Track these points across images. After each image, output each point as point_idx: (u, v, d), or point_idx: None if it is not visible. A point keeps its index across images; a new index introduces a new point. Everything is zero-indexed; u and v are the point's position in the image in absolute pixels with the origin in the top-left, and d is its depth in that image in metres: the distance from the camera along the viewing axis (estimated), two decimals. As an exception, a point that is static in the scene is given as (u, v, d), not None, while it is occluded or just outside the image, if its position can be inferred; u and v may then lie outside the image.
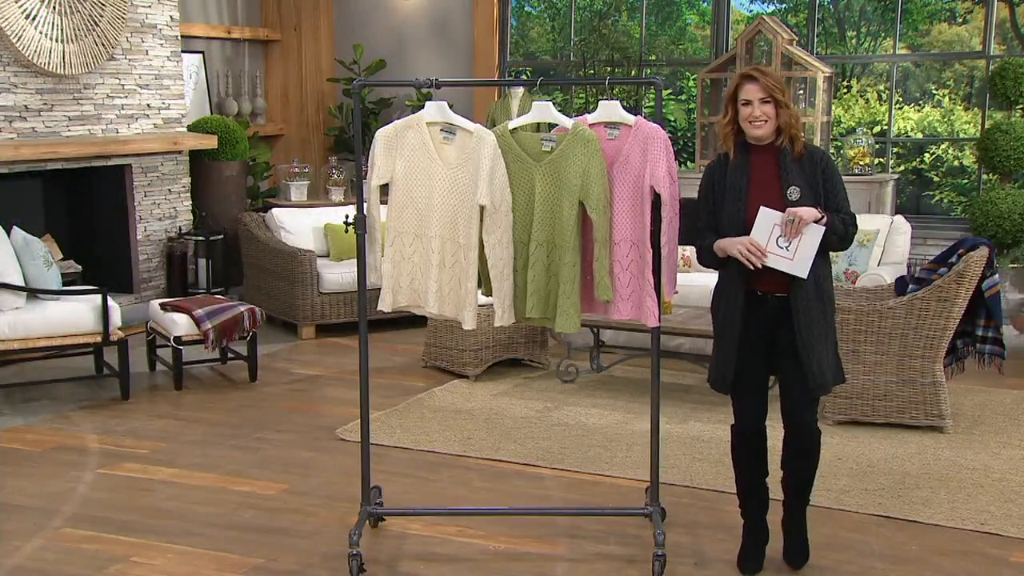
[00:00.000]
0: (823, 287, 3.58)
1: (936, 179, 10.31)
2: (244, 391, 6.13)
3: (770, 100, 3.51)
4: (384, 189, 3.85)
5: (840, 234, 3.55)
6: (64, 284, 6.21)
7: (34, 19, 6.81)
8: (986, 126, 7.56)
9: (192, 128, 8.16)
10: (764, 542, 3.81)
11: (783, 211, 3.49)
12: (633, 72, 8.48)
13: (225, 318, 6.09)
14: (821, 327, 3.55)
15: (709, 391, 5.98)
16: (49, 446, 5.14)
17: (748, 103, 3.53)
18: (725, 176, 3.62)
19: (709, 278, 6.57)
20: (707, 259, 3.68)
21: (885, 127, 8.49)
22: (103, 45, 7.27)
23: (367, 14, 9.45)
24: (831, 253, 3.68)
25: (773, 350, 3.63)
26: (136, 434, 5.32)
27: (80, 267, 7.14)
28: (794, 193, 3.52)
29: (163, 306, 6.25)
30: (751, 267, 3.51)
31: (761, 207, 3.50)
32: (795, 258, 3.48)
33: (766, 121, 3.53)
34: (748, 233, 3.53)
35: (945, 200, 10.11)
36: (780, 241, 3.49)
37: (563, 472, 4.77)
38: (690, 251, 6.98)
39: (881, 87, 10.16)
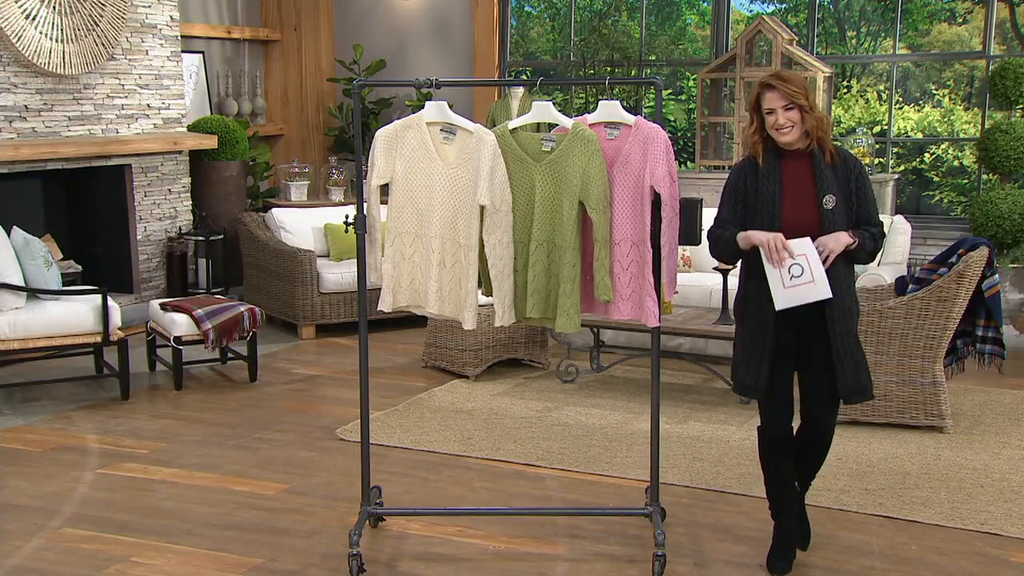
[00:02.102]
0: (852, 296, 3.60)
1: (936, 179, 10.32)
2: (244, 391, 6.13)
3: (793, 106, 3.48)
4: (384, 189, 3.85)
5: (869, 250, 3.57)
6: (64, 284, 6.22)
7: (34, 19, 6.81)
8: (986, 126, 7.55)
9: (192, 128, 8.16)
10: (791, 544, 3.81)
11: (818, 218, 3.48)
12: (633, 72, 8.48)
13: (225, 318, 6.09)
14: (853, 335, 3.57)
15: (709, 391, 6.01)
16: (49, 446, 5.14)
17: (772, 112, 3.51)
18: (757, 180, 3.58)
19: (709, 278, 6.63)
20: (722, 250, 3.66)
21: (885, 127, 8.49)
22: (103, 45, 7.27)
23: (367, 14, 9.45)
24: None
25: (800, 354, 3.63)
26: (136, 434, 5.32)
27: (80, 267, 7.14)
28: (830, 202, 3.51)
29: (163, 306, 6.26)
30: (769, 260, 3.49)
31: (804, 240, 3.47)
32: (815, 279, 3.45)
33: (792, 127, 3.50)
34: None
35: (945, 200, 10.12)
36: (793, 269, 3.47)
37: (563, 472, 4.77)
38: (690, 251, 6.98)
39: (881, 87, 10.16)
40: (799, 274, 3.46)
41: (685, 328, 5.85)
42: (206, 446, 5.14)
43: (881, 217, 6.79)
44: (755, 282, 3.60)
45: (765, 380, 3.61)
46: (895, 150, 9.47)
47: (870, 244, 3.56)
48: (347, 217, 3.89)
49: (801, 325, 3.58)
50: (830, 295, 3.47)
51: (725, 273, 5.83)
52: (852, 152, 3.67)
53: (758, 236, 3.52)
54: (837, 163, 3.55)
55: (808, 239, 3.48)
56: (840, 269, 3.54)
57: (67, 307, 5.81)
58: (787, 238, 3.52)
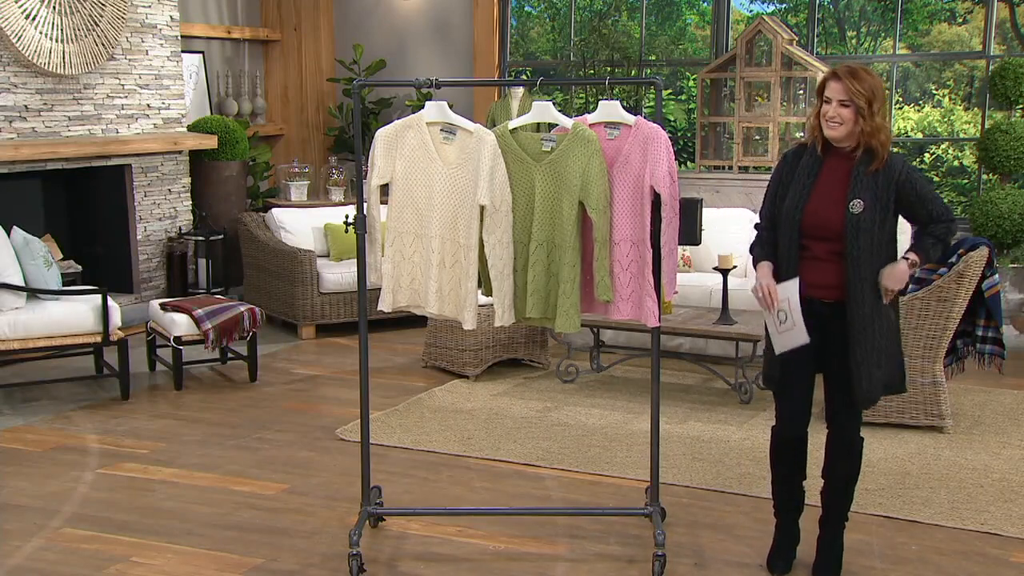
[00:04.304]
0: (880, 304, 3.47)
1: (936, 179, 10.32)
2: (244, 391, 6.13)
3: (850, 104, 3.40)
4: (384, 189, 3.85)
5: (939, 253, 3.51)
6: (64, 284, 6.22)
7: (34, 19, 6.81)
8: (986, 126, 7.55)
9: (192, 128, 8.16)
10: (794, 544, 3.81)
11: (841, 220, 3.41)
12: (633, 72, 8.48)
13: (225, 318, 6.09)
14: (875, 341, 3.46)
15: (709, 391, 6.02)
16: (49, 446, 5.14)
17: (828, 101, 3.44)
18: (793, 172, 3.55)
19: (709, 278, 6.63)
20: (753, 256, 3.70)
21: (885, 127, 8.48)
22: (103, 45, 7.27)
23: (367, 14, 9.45)
24: None
25: (822, 354, 3.58)
26: (136, 434, 5.32)
27: (80, 267, 7.14)
28: (857, 206, 3.42)
29: (163, 306, 6.25)
30: (761, 306, 3.53)
31: (789, 283, 3.46)
32: (795, 324, 3.45)
33: (840, 124, 3.42)
34: (800, 234, 3.50)
35: (945, 200, 10.12)
36: (779, 315, 3.49)
37: (563, 472, 4.77)
38: (690, 251, 6.98)
39: (881, 87, 10.16)
40: (784, 320, 3.48)
41: (685, 328, 5.85)
42: (206, 446, 5.14)
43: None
44: (785, 271, 3.56)
45: (778, 371, 3.60)
46: (895, 150, 9.46)
47: (935, 253, 3.49)
48: (347, 217, 3.89)
49: (823, 323, 3.53)
50: (807, 340, 3.45)
51: (725, 273, 5.84)
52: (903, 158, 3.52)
53: (758, 280, 3.54)
54: (880, 170, 3.44)
55: (795, 281, 3.46)
56: (867, 278, 3.43)
57: (67, 307, 5.81)
58: (809, 234, 3.48)
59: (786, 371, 3.60)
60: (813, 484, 3.81)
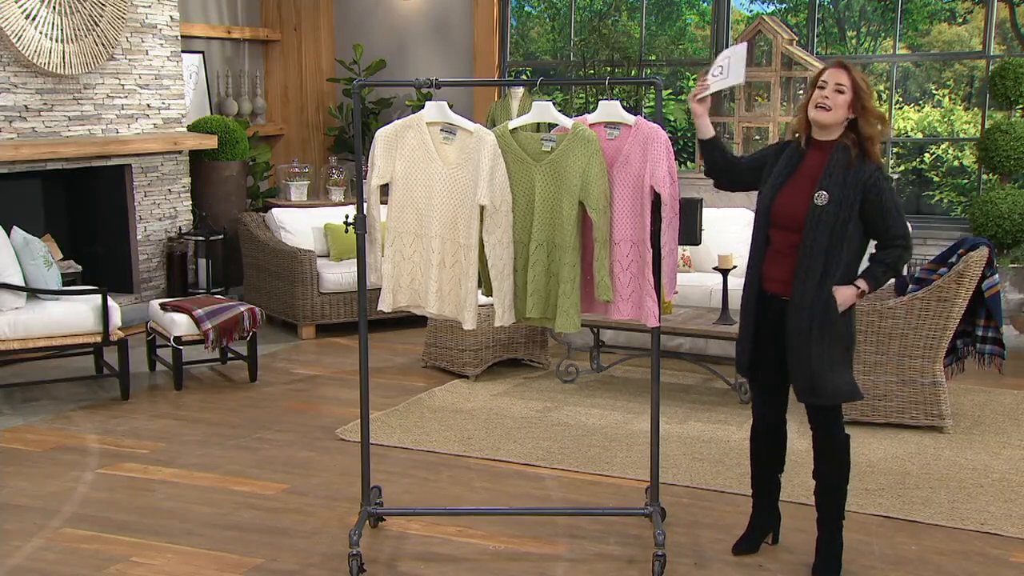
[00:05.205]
0: (823, 298, 3.48)
1: (936, 179, 10.32)
2: (244, 391, 6.13)
3: (845, 91, 3.42)
4: (384, 189, 3.85)
5: (888, 279, 3.55)
6: (64, 284, 6.22)
7: (34, 19, 6.81)
8: (986, 126, 7.55)
9: (192, 128, 8.16)
10: (762, 531, 3.90)
11: (805, 211, 3.45)
12: (633, 72, 8.48)
13: (225, 318, 6.09)
14: (809, 335, 3.48)
15: (709, 391, 6.02)
16: (49, 446, 5.14)
17: (823, 85, 3.45)
18: (777, 160, 3.62)
19: (709, 278, 6.63)
20: (706, 163, 3.81)
21: (885, 127, 8.47)
22: (103, 45, 7.27)
23: (367, 14, 9.45)
24: None
25: (785, 351, 3.63)
26: (136, 434, 5.32)
27: (80, 267, 7.14)
28: (821, 198, 3.44)
29: (163, 306, 6.25)
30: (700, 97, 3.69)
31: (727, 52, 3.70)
32: (729, 75, 3.66)
33: (830, 110, 3.43)
34: (769, 221, 3.57)
35: (945, 200, 10.12)
36: (716, 71, 3.70)
37: (563, 472, 4.77)
38: (690, 251, 6.99)
39: (881, 87, 10.16)
40: (719, 71, 3.71)
41: (685, 328, 5.85)
42: (206, 446, 5.14)
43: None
44: (748, 270, 3.68)
45: (746, 359, 3.70)
46: (895, 150, 9.47)
47: (884, 280, 3.52)
48: (347, 217, 3.89)
49: (781, 320, 3.58)
50: (741, 80, 3.69)
51: (725, 273, 5.84)
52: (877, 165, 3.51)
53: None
54: (853, 169, 3.44)
55: (729, 48, 3.72)
56: (815, 269, 3.46)
57: (67, 307, 5.81)
58: (775, 223, 3.56)
59: (754, 357, 3.68)
60: (809, 483, 3.81)
